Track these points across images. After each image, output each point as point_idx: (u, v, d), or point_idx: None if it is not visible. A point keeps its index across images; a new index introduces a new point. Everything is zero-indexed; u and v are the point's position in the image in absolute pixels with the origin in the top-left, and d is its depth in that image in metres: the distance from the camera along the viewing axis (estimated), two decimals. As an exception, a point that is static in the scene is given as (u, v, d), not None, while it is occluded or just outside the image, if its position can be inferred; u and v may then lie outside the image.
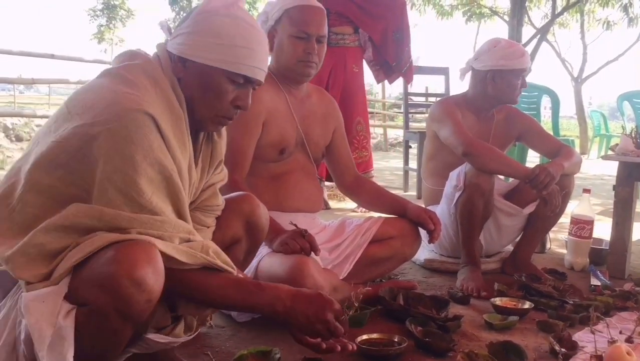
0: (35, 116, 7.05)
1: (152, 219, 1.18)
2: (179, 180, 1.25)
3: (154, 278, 1.12)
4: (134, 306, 1.10)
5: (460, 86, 3.10)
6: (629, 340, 1.92)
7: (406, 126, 5.59)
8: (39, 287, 1.11)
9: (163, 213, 1.21)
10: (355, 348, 1.47)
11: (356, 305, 1.39)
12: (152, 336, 1.39)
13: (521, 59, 2.65)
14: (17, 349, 1.12)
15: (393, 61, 4.21)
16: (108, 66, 1.34)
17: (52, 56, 6.97)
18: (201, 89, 1.32)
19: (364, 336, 1.83)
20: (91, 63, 7.90)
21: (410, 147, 5.77)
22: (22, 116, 7.46)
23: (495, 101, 2.74)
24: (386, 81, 4.50)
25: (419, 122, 8.96)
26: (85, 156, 1.15)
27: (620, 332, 1.99)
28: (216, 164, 1.52)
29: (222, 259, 1.28)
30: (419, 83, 8.43)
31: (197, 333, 1.51)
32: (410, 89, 5.32)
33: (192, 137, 1.36)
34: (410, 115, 5.69)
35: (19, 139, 8.42)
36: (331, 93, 3.69)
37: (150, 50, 1.39)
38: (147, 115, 1.18)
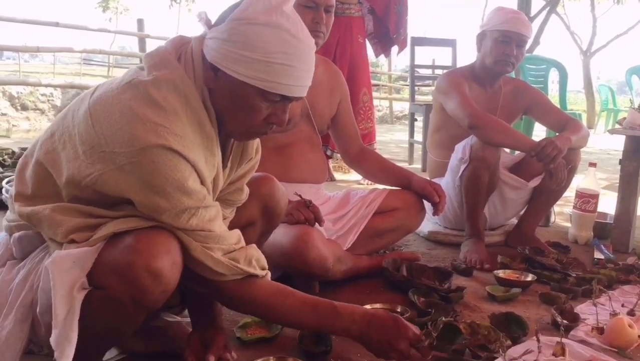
0: (40, 85, 7.02)
1: (194, 233, 1.17)
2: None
3: (172, 270, 1.13)
4: (149, 296, 1.12)
5: (467, 58, 3.07)
6: (631, 313, 1.93)
7: (412, 99, 5.56)
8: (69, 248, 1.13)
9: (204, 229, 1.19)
10: None
11: (435, 334, 1.35)
12: (162, 315, 1.42)
13: (510, 21, 2.58)
14: (33, 310, 1.13)
15: (394, 33, 4.21)
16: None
17: (56, 24, 6.92)
18: (232, 104, 1.20)
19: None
20: (96, 32, 7.86)
21: (416, 120, 5.75)
22: (27, 84, 7.44)
23: (486, 68, 2.71)
24: (393, 53, 4.49)
25: (425, 95, 8.89)
26: (110, 182, 1.13)
27: (623, 305, 2.00)
28: (246, 161, 1.44)
29: (260, 266, 1.29)
30: (426, 55, 8.36)
31: None
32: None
33: (221, 143, 1.30)
34: (416, 88, 5.64)
35: (24, 108, 8.42)
36: (339, 64, 3.68)
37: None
38: (173, 151, 1.11)
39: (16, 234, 1.21)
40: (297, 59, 1.17)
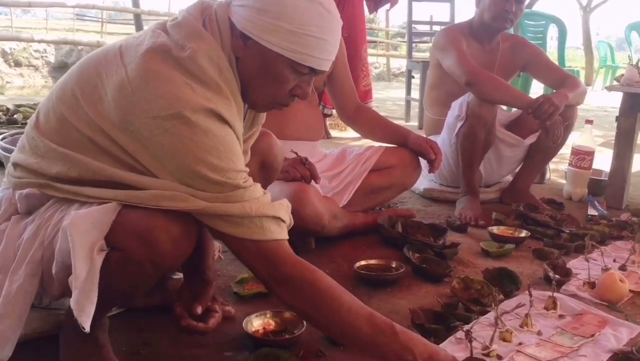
0: (33, 40, 6.92)
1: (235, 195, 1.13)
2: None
3: (189, 236, 1.15)
4: (167, 260, 1.14)
5: (465, 14, 3.03)
6: (622, 268, 1.96)
7: (409, 56, 5.51)
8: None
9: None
10: None
11: None
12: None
13: None
14: (43, 266, 1.15)
15: None
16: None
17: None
18: (261, 74, 1.19)
19: (362, 262, 1.88)
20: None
21: (413, 77, 5.70)
22: (19, 40, 7.36)
23: (484, 24, 2.68)
24: (389, 9, 4.49)
25: (423, 52, 8.81)
26: (153, 145, 1.10)
27: (614, 260, 2.03)
28: (255, 126, 1.45)
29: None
30: (424, 11, 8.24)
31: None
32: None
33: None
34: (413, 44, 5.59)
35: (17, 64, 8.33)
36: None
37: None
38: (223, 119, 1.12)
39: (23, 191, 1.21)
40: (329, 32, 1.18)
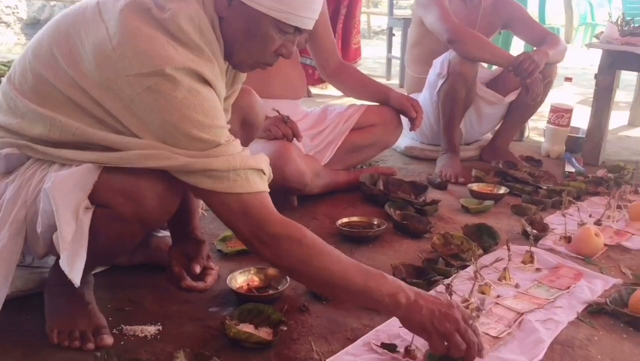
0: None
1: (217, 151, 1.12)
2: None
3: (175, 192, 1.16)
4: (153, 217, 1.15)
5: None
6: (597, 223, 2.01)
7: (390, 13, 5.45)
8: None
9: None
10: None
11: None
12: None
13: None
14: (27, 225, 1.14)
15: None
16: None
17: None
18: (246, 35, 1.19)
19: (344, 220, 1.90)
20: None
21: (394, 34, 5.65)
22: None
23: None
24: None
25: (404, 9, 8.70)
26: (136, 103, 1.08)
27: (590, 215, 2.08)
28: (236, 84, 1.43)
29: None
30: (405, -33, 8.11)
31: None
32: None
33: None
34: (394, 1, 5.52)
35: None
36: None
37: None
38: (198, 75, 1.11)
39: (2, 151, 1.19)
40: None
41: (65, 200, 1.06)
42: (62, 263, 1.04)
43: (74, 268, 1.04)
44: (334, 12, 4.21)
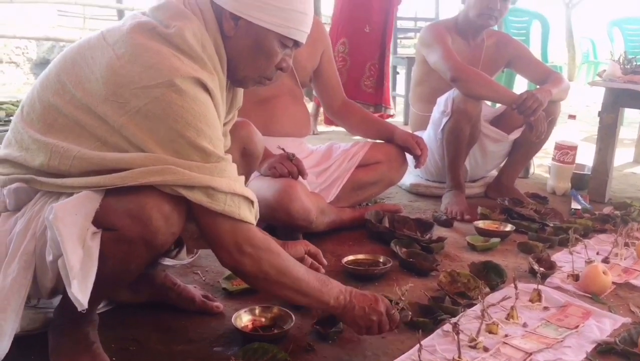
0: (15, 37, 6.83)
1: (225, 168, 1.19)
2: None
3: (179, 213, 1.17)
4: (159, 237, 1.16)
5: (450, 10, 3.04)
6: (605, 261, 1.99)
7: (394, 51, 5.51)
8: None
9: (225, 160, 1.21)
10: None
11: (400, 302, 1.40)
12: (160, 260, 1.44)
13: None
14: (36, 258, 1.15)
15: None
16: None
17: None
18: (252, 50, 1.29)
19: (350, 257, 1.89)
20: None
21: (398, 73, 5.72)
22: (1, 37, 7.24)
23: (469, 20, 2.69)
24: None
25: (407, 48, 8.82)
26: (143, 114, 1.12)
27: (598, 253, 2.06)
28: (234, 109, 1.50)
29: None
30: (408, 8, 8.27)
31: (197, 255, 1.58)
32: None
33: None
34: (398, 40, 5.60)
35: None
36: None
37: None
38: (202, 84, 1.17)
39: (12, 186, 1.20)
40: (308, 7, 1.31)
41: (69, 229, 1.07)
42: (74, 290, 1.04)
43: (80, 291, 1.04)
44: (380, 57, 4.36)
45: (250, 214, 1.22)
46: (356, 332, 1.37)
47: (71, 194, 1.14)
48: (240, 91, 1.49)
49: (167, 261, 1.55)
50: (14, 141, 1.22)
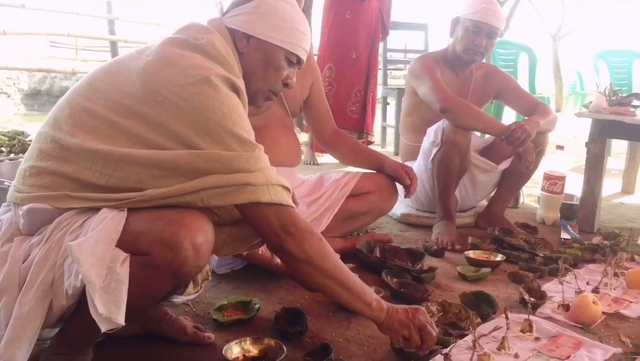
0: (7, 68, 6.86)
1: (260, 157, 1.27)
2: None
3: (208, 247, 1.22)
4: (186, 268, 1.18)
5: (439, 42, 3.10)
6: (595, 290, 2.00)
7: (384, 83, 5.59)
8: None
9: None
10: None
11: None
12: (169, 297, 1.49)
13: (482, 11, 2.61)
14: (54, 289, 1.16)
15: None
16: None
17: (22, 7, 6.75)
18: (263, 64, 1.43)
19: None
20: (65, 14, 7.66)
21: (388, 103, 5.78)
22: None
23: (456, 54, 2.74)
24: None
25: (397, 79, 8.93)
26: (181, 108, 1.20)
27: (588, 283, 2.07)
28: None
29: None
30: (398, 39, 8.37)
31: (202, 289, 1.58)
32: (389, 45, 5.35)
33: None
34: (388, 71, 5.67)
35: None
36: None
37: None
38: (233, 84, 1.29)
39: (25, 207, 1.21)
40: (307, 29, 1.47)
41: (89, 261, 1.08)
42: (99, 308, 1.06)
43: (113, 311, 1.07)
44: (365, 84, 4.43)
45: (290, 199, 1.30)
46: (394, 342, 1.44)
47: (93, 222, 1.16)
48: None
49: (177, 298, 1.56)
50: (41, 153, 1.25)
